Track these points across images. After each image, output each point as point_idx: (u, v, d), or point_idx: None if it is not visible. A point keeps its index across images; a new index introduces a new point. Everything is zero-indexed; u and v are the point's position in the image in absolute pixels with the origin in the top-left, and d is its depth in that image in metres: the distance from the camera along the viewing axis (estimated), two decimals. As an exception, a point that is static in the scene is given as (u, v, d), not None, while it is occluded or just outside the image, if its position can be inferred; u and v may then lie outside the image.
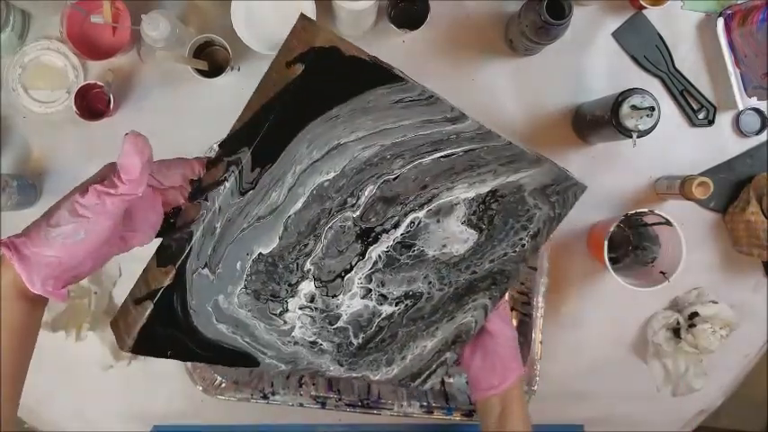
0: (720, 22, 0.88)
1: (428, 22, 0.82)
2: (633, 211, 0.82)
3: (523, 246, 0.67)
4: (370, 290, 0.61)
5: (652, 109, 0.77)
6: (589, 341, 0.93)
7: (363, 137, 0.53)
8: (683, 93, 0.90)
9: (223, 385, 0.83)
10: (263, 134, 0.48)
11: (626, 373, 0.94)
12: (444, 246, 0.63)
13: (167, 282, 0.50)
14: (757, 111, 0.90)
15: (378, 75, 0.52)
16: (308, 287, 0.58)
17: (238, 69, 0.88)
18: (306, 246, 0.56)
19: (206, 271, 0.52)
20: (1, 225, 0.88)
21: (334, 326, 0.61)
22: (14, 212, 0.87)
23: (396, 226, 0.59)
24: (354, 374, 0.66)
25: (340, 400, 0.85)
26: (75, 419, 0.92)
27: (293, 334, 0.59)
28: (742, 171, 0.91)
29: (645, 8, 0.87)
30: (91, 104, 0.86)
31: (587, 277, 0.92)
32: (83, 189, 0.48)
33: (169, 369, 0.91)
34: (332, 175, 0.53)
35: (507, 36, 0.88)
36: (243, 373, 0.85)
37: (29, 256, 0.45)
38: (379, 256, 0.60)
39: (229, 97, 0.88)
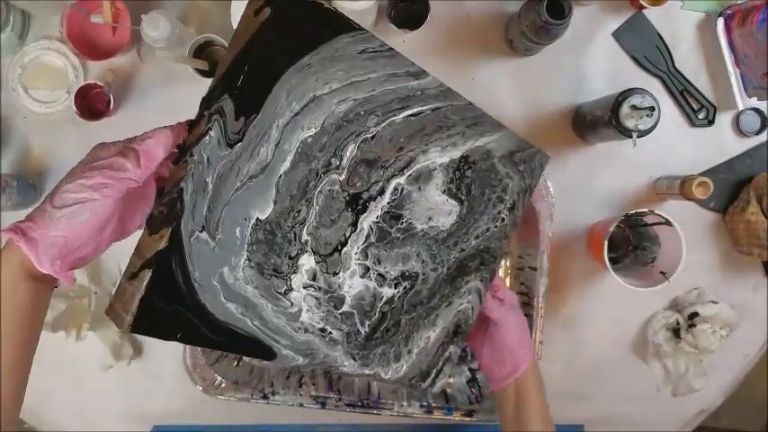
0: (720, 22, 0.88)
1: (428, 22, 0.82)
2: (633, 211, 0.82)
3: (503, 220, 0.70)
4: (368, 268, 0.61)
5: (652, 109, 0.77)
6: (589, 341, 0.93)
7: (337, 89, 0.54)
8: (683, 93, 0.90)
9: (223, 385, 0.83)
10: (243, 80, 0.49)
11: (626, 373, 0.94)
12: (430, 218, 0.64)
13: (163, 244, 0.48)
14: (757, 111, 0.90)
15: (340, 23, 0.53)
16: (308, 262, 0.57)
17: (238, 69, 0.88)
18: (299, 212, 0.55)
19: (204, 235, 0.50)
20: (1, 225, 0.88)
21: (340, 310, 0.61)
22: (14, 212, 0.88)
23: (381, 192, 0.60)
24: (367, 371, 0.65)
25: (340, 400, 0.85)
26: (75, 419, 0.92)
27: (301, 319, 0.58)
28: (742, 171, 0.91)
29: (645, 8, 0.87)
30: (91, 104, 0.86)
31: (587, 277, 0.92)
32: (86, 170, 0.48)
33: (169, 369, 0.91)
34: (313, 130, 0.54)
35: (507, 36, 0.88)
36: (243, 373, 0.85)
37: (36, 237, 0.46)
38: (371, 227, 0.60)
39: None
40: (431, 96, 0.60)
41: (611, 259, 0.83)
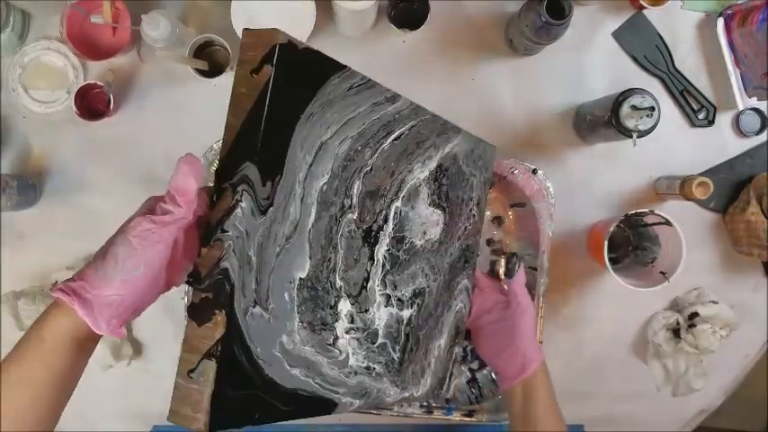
0: (720, 22, 0.88)
1: (428, 22, 0.82)
2: (633, 212, 0.82)
3: (474, 216, 0.72)
4: (389, 296, 0.62)
5: (652, 109, 0.77)
6: (589, 341, 0.93)
7: (336, 131, 0.54)
8: (683, 93, 0.90)
9: (223, 385, 0.83)
10: (261, 143, 0.47)
11: (626, 373, 0.94)
12: (425, 233, 0.65)
13: (220, 332, 0.45)
14: (757, 111, 0.90)
15: (329, 65, 0.53)
16: (345, 306, 0.57)
17: (238, 69, 0.88)
18: (330, 260, 0.54)
19: (258, 309, 0.48)
20: (1, 225, 0.88)
21: (376, 344, 0.61)
22: (14, 212, 0.88)
23: (385, 220, 0.60)
24: (406, 394, 0.66)
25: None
26: (75, 419, 0.92)
27: (350, 363, 0.58)
28: (742, 171, 0.91)
29: (645, 8, 0.87)
30: (91, 104, 0.86)
31: (587, 277, 0.92)
32: (131, 221, 0.46)
33: (169, 369, 0.90)
34: (326, 177, 0.53)
35: (507, 36, 0.88)
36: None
37: (90, 299, 0.44)
38: (385, 256, 0.61)
39: (229, 97, 0.88)
40: (405, 117, 0.61)
41: (611, 259, 0.83)
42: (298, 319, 0.52)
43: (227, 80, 0.87)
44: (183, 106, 0.88)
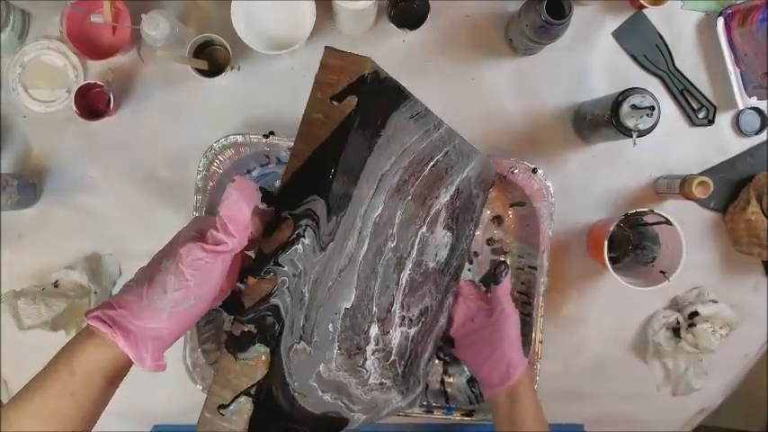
0: (720, 21, 0.88)
1: (428, 22, 0.82)
2: (633, 211, 0.82)
3: (471, 235, 0.71)
4: (404, 317, 0.62)
5: (652, 108, 0.77)
6: (589, 341, 0.93)
7: (394, 161, 0.51)
8: (682, 92, 0.90)
9: (223, 385, 0.83)
10: (335, 178, 0.43)
11: (626, 373, 0.94)
12: (436, 255, 0.65)
13: (263, 372, 0.42)
14: (757, 110, 0.90)
15: (400, 95, 0.50)
16: (374, 330, 0.56)
17: (238, 69, 0.88)
18: (370, 289, 0.53)
19: (302, 345, 0.45)
20: (1, 224, 0.88)
21: (389, 361, 0.61)
22: (14, 212, 0.88)
23: (412, 246, 0.59)
24: (408, 401, 0.67)
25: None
26: (75, 419, 0.92)
27: (369, 381, 0.58)
28: (742, 170, 0.91)
29: (645, 8, 0.87)
30: (91, 104, 0.86)
31: (587, 277, 0.92)
32: (183, 249, 0.42)
33: (169, 369, 0.91)
34: (380, 208, 0.51)
35: (507, 36, 0.88)
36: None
37: (133, 330, 0.40)
38: (406, 280, 0.60)
39: (230, 97, 0.88)
40: (443, 143, 0.59)
41: (611, 259, 0.83)
42: (337, 348, 0.50)
43: (227, 80, 0.87)
44: (183, 106, 0.88)
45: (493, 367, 0.69)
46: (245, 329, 0.43)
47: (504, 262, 0.70)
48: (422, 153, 0.55)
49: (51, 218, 0.89)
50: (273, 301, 0.42)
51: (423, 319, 0.65)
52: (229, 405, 0.42)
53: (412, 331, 0.64)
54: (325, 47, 0.46)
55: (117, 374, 0.43)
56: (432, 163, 0.58)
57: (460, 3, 0.88)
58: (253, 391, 0.42)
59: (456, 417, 0.85)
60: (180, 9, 0.88)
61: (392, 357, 0.62)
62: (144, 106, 0.89)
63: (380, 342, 0.58)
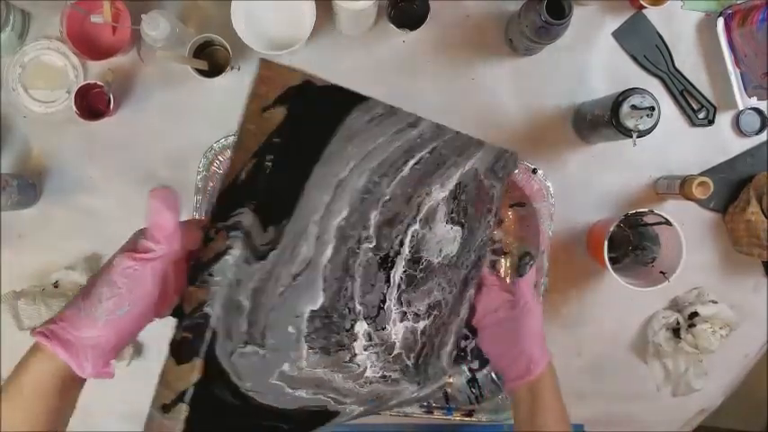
0: (720, 21, 0.88)
1: (428, 22, 0.82)
2: (633, 211, 0.82)
3: (490, 225, 0.70)
4: (405, 312, 0.62)
5: (652, 109, 0.77)
6: (589, 341, 0.93)
7: (355, 165, 0.51)
8: (682, 93, 0.90)
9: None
10: (264, 191, 0.44)
11: (626, 373, 0.94)
12: (441, 250, 0.64)
13: (196, 377, 0.44)
14: (757, 110, 0.90)
15: (347, 98, 0.50)
16: (361, 327, 0.57)
17: (238, 69, 0.88)
18: (347, 289, 0.54)
19: (250, 348, 0.47)
20: (1, 224, 0.88)
21: (392, 354, 0.62)
22: (14, 212, 0.88)
23: (402, 244, 0.59)
24: (428, 390, 0.68)
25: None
26: (75, 419, 0.91)
27: (366, 375, 0.59)
28: (742, 171, 0.91)
29: (645, 8, 0.87)
30: (91, 104, 0.86)
31: (587, 277, 0.92)
32: (115, 260, 0.44)
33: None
34: (345, 213, 0.51)
35: (507, 36, 0.88)
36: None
37: (72, 341, 0.43)
38: (401, 277, 0.60)
39: (230, 97, 0.88)
40: (427, 139, 0.58)
41: (611, 259, 0.83)
42: (306, 348, 0.52)
43: (226, 80, 0.87)
44: (183, 106, 0.88)
45: (513, 361, 0.67)
46: (184, 335, 0.45)
47: (530, 253, 0.67)
48: (396, 153, 0.55)
49: (51, 218, 0.89)
50: (206, 309, 0.44)
51: (435, 313, 0.65)
52: (170, 405, 0.45)
53: (420, 325, 0.64)
54: (259, 59, 0.47)
55: (67, 383, 0.44)
56: (413, 161, 0.57)
57: (460, 3, 0.88)
58: (188, 394, 0.44)
59: (456, 417, 0.85)
60: (180, 9, 0.88)
61: (396, 351, 0.62)
62: (144, 106, 0.89)
63: (375, 338, 0.59)
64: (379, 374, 0.61)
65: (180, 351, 0.46)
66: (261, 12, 0.83)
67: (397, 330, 0.61)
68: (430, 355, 0.67)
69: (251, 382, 0.48)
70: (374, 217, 0.55)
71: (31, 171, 0.89)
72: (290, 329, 0.51)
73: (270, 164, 0.44)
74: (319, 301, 0.52)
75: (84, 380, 0.46)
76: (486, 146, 0.66)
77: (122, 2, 0.83)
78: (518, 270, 0.69)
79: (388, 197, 0.56)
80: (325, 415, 0.57)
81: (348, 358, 0.57)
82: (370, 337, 0.58)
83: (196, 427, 0.45)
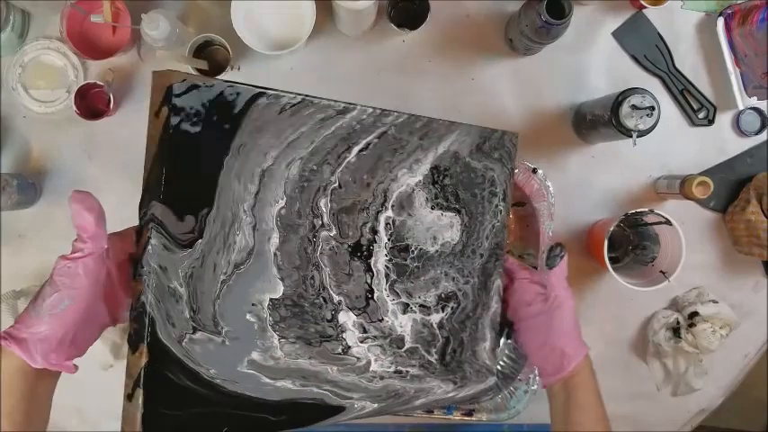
0: (720, 21, 0.88)
1: (428, 22, 0.82)
2: (633, 211, 0.82)
3: (501, 211, 0.69)
4: (407, 303, 0.62)
5: (652, 108, 0.77)
6: (589, 341, 0.92)
7: (278, 155, 0.54)
8: (682, 92, 0.90)
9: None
10: (165, 181, 0.48)
11: (626, 373, 0.94)
12: (435, 237, 0.64)
13: (144, 361, 0.48)
14: (757, 110, 0.90)
15: (247, 91, 0.53)
16: (348, 318, 0.58)
17: (239, 69, 0.88)
18: (313, 278, 0.56)
19: (200, 335, 0.50)
20: (1, 224, 0.88)
21: (404, 348, 0.62)
22: (14, 212, 0.88)
23: (374, 232, 0.60)
24: (469, 392, 0.67)
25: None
26: (74, 419, 0.92)
27: (372, 369, 0.60)
28: (742, 170, 0.91)
29: (645, 8, 0.87)
30: (91, 104, 0.86)
31: (587, 277, 0.92)
32: (54, 263, 0.50)
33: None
34: (282, 202, 0.54)
35: (507, 36, 0.88)
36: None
37: (25, 338, 0.48)
38: (386, 266, 0.61)
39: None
40: (369, 125, 0.59)
41: (611, 259, 0.83)
42: (276, 337, 0.54)
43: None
44: (183, 106, 0.88)
45: (546, 357, 0.65)
46: (133, 327, 0.50)
47: (560, 244, 0.66)
48: (331, 141, 0.56)
49: (51, 218, 0.89)
50: (142, 299, 0.49)
51: (451, 305, 0.65)
52: (132, 393, 0.49)
53: (434, 318, 0.64)
54: (152, 72, 0.51)
55: (32, 377, 0.49)
56: (358, 147, 0.58)
57: (460, 3, 0.88)
58: (141, 378, 0.48)
59: (456, 416, 0.85)
60: (180, 9, 0.88)
61: (408, 345, 0.62)
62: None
63: (371, 330, 0.59)
64: (391, 369, 0.61)
65: (132, 341, 0.50)
66: (261, 12, 0.83)
67: (401, 323, 0.61)
68: (460, 351, 0.66)
69: (215, 368, 0.51)
70: (325, 205, 0.56)
71: (31, 171, 0.89)
72: (249, 317, 0.53)
73: (163, 160, 0.49)
74: (279, 289, 0.54)
75: (51, 376, 0.51)
76: (462, 127, 0.65)
77: (122, 2, 0.83)
78: (547, 263, 0.68)
79: (336, 184, 0.57)
80: (327, 409, 0.57)
81: (340, 350, 0.57)
82: (364, 329, 0.59)
83: (158, 413, 0.49)
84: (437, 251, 0.64)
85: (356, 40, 0.89)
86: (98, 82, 0.84)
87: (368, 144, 0.59)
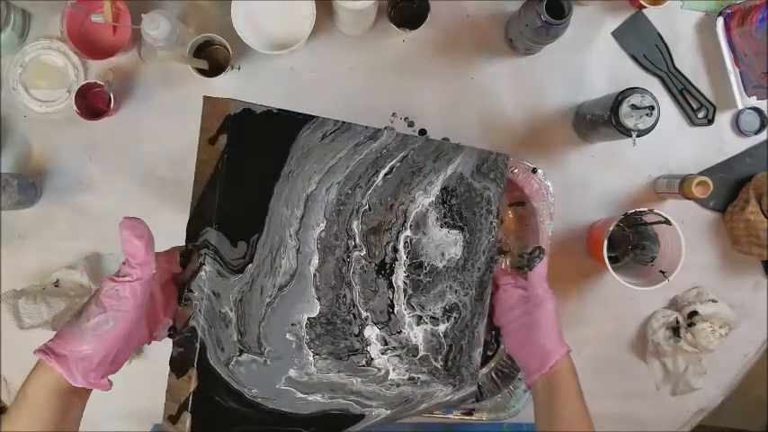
0: (720, 21, 0.88)
1: (428, 22, 0.82)
2: (633, 211, 0.82)
3: (495, 228, 0.73)
4: (420, 316, 0.65)
5: (652, 108, 0.77)
6: (589, 340, 0.93)
7: (320, 180, 0.56)
8: (682, 92, 0.90)
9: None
10: (218, 207, 0.49)
11: (625, 373, 0.94)
12: (443, 254, 0.67)
13: (193, 386, 0.49)
14: (757, 110, 0.91)
15: (293, 120, 0.54)
16: (372, 332, 0.61)
17: (239, 68, 0.88)
18: (345, 297, 0.58)
19: (246, 357, 0.52)
20: (1, 224, 0.88)
21: (418, 356, 0.65)
22: (14, 212, 0.88)
23: (395, 251, 0.63)
24: (463, 393, 0.71)
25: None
26: (75, 418, 0.92)
27: (390, 377, 0.63)
28: (741, 170, 0.91)
29: (644, 8, 0.87)
30: (91, 104, 0.86)
31: (587, 277, 0.92)
32: (102, 284, 0.51)
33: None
34: (322, 225, 0.57)
35: (507, 36, 0.88)
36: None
37: (66, 354, 0.49)
38: (405, 282, 0.64)
39: (230, 96, 0.88)
40: (393, 149, 0.62)
41: (610, 258, 0.83)
42: (312, 354, 0.56)
43: (227, 79, 0.87)
44: (183, 106, 0.88)
45: (529, 355, 0.67)
46: (179, 350, 0.51)
47: (540, 247, 0.69)
48: (362, 166, 0.59)
49: (52, 218, 0.89)
50: (191, 323, 0.50)
51: (453, 316, 0.68)
52: (177, 416, 0.50)
53: (441, 328, 0.67)
54: (203, 96, 0.52)
55: (65, 394, 0.50)
56: (384, 171, 0.61)
57: (460, 3, 0.89)
58: (189, 402, 0.49)
59: (456, 416, 0.85)
60: (180, 9, 0.88)
61: (421, 353, 0.66)
62: (144, 106, 0.89)
63: (391, 342, 0.62)
64: (405, 377, 0.64)
65: (177, 365, 0.51)
66: (261, 12, 0.83)
67: (416, 333, 0.65)
68: (459, 357, 0.70)
69: (257, 388, 0.53)
70: (357, 227, 0.59)
71: (31, 171, 0.89)
72: (289, 337, 0.55)
73: (218, 187, 0.50)
74: (316, 308, 0.56)
75: (85, 393, 0.52)
76: (466, 149, 0.69)
77: (123, 2, 0.83)
78: (528, 264, 0.70)
79: (366, 207, 0.60)
80: (350, 418, 0.60)
81: (364, 362, 0.60)
82: (385, 342, 0.62)
83: None
84: (444, 266, 0.67)
85: (356, 39, 0.89)
86: (98, 82, 0.84)
87: (392, 168, 0.62)
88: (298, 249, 0.54)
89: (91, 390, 0.52)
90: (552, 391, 0.65)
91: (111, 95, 0.84)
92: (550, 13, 0.74)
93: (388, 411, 0.64)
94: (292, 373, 0.55)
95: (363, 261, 0.60)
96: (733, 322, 0.90)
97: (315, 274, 0.56)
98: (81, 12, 0.83)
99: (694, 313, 0.90)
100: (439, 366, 0.68)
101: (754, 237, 0.86)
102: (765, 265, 0.93)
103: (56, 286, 0.87)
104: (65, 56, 0.87)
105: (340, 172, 0.57)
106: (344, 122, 0.58)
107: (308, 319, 0.56)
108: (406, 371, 0.64)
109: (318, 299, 0.56)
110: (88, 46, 0.86)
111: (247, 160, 0.51)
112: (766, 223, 0.84)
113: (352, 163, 0.58)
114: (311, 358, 0.56)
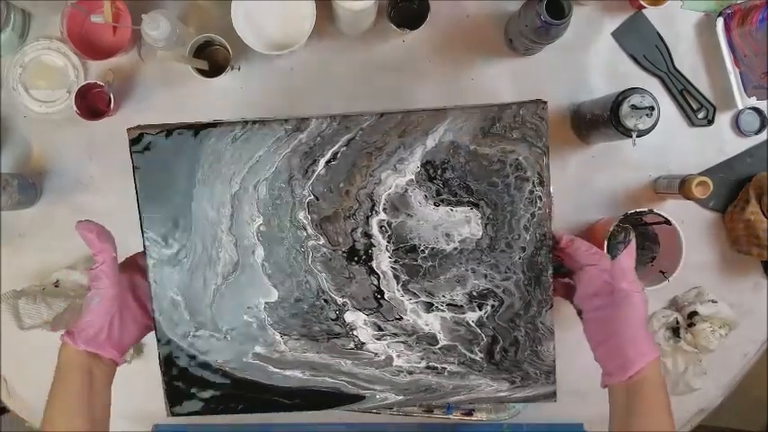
0: (720, 21, 0.88)
1: (428, 22, 0.82)
2: (633, 211, 0.82)
3: (540, 197, 0.62)
4: (431, 303, 0.62)
5: (651, 108, 0.77)
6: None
7: (242, 179, 0.60)
8: (682, 92, 0.90)
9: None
10: (140, 216, 0.61)
11: (626, 373, 0.94)
12: (449, 234, 0.62)
13: (160, 352, 0.63)
14: (757, 110, 0.91)
15: (197, 130, 0.60)
16: (358, 317, 0.62)
17: (239, 69, 0.88)
18: (308, 283, 0.61)
19: (203, 332, 0.62)
20: (1, 224, 0.88)
21: (437, 346, 0.63)
22: (15, 212, 0.88)
23: (369, 236, 0.61)
24: (530, 392, 0.66)
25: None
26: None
27: (396, 364, 0.63)
28: (741, 170, 0.91)
29: (644, 8, 0.87)
30: (91, 104, 0.86)
31: (587, 277, 0.92)
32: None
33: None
34: (258, 220, 0.61)
35: (507, 36, 0.88)
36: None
37: (74, 330, 0.60)
38: (393, 268, 0.62)
39: (230, 97, 0.88)
40: (332, 135, 0.59)
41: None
42: (280, 334, 0.62)
43: (227, 80, 0.87)
44: (183, 106, 0.89)
45: (607, 355, 0.60)
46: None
47: (627, 228, 0.59)
48: (293, 158, 0.60)
49: (52, 218, 0.89)
50: (152, 306, 0.62)
51: (491, 303, 0.62)
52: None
53: (471, 316, 0.62)
54: (126, 129, 0.62)
55: (86, 365, 0.59)
56: (325, 159, 0.60)
57: (460, 3, 0.89)
58: (162, 365, 0.63)
59: (456, 416, 0.85)
60: (180, 9, 0.88)
61: (442, 342, 0.63)
62: (144, 106, 0.89)
63: (390, 328, 0.62)
64: (421, 365, 0.63)
65: (157, 336, 0.64)
66: (261, 12, 0.83)
67: (427, 321, 0.63)
68: (514, 351, 0.64)
69: (222, 358, 0.62)
70: (305, 217, 0.60)
71: (31, 171, 0.89)
72: (247, 318, 0.62)
73: (139, 199, 0.62)
74: (273, 294, 0.61)
75: (105, 367, 0.61)
76: (452, 112, 0.60)
77: (123, 2, 0.83)
78: (609, 251, 0.62)
79: (311, 197, 0.60)
80: (344, 397, 0.63)
81: (352, 346, 0.62)
82: (379, 328, 0.62)
83: (177, 386, 0.63)
84: (455, 248, 0.62)
85: (356, 40, 0.89)
86: (98, 82, 0.84)
87: (335, 154, 0.60)
88: (235, 243, 0.60)
89: (111, 368, 0.61)
90: (633, 399, 0.59)
91: (111, 96, 0.84)
92: (550, 13, 0.74)
93: (401, 397, 0.63)
94: (259, 349, 0.62)
95: (324, 249, 0.61)
96: (733, 322, 0.90)
97: (263, 264, 0.61)
98: (81, 12, 0.83)
99: (694, 313, 0.90)
100: (478, 358, 0.63)
101: (753, 237, 0.86)
102: (765, 266, 0.93)
103: (56, 286, 0.88)
104: (65, 56, 0.87)
105: (264, 170, 0.60)
106: (257, 121, 0.60)
107: (266, 303, 0.61)
108: (421, 359, 0.63)
109: (275, 286, 0.61)
110: (88, 46, 0.86)
111: (158, 175, 0.60)
112: (766, 223, 0.84)
113: (277, 159, 0.60)
114: (278, 337, 0.62)
